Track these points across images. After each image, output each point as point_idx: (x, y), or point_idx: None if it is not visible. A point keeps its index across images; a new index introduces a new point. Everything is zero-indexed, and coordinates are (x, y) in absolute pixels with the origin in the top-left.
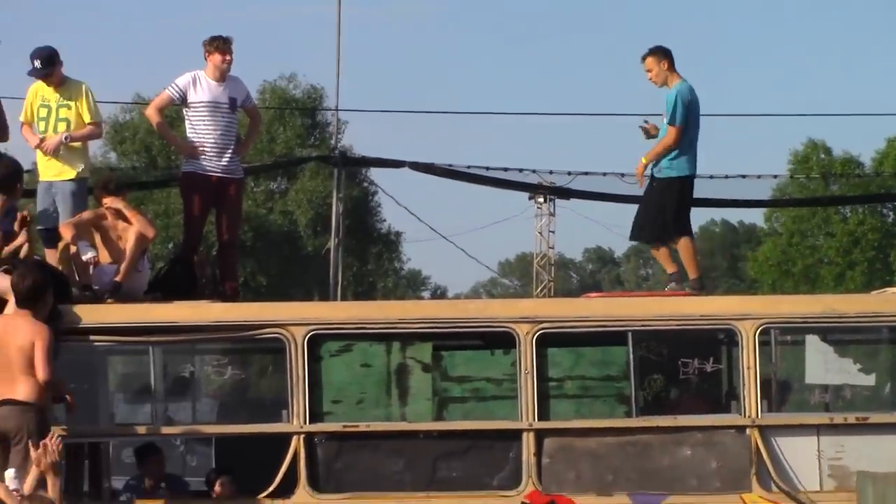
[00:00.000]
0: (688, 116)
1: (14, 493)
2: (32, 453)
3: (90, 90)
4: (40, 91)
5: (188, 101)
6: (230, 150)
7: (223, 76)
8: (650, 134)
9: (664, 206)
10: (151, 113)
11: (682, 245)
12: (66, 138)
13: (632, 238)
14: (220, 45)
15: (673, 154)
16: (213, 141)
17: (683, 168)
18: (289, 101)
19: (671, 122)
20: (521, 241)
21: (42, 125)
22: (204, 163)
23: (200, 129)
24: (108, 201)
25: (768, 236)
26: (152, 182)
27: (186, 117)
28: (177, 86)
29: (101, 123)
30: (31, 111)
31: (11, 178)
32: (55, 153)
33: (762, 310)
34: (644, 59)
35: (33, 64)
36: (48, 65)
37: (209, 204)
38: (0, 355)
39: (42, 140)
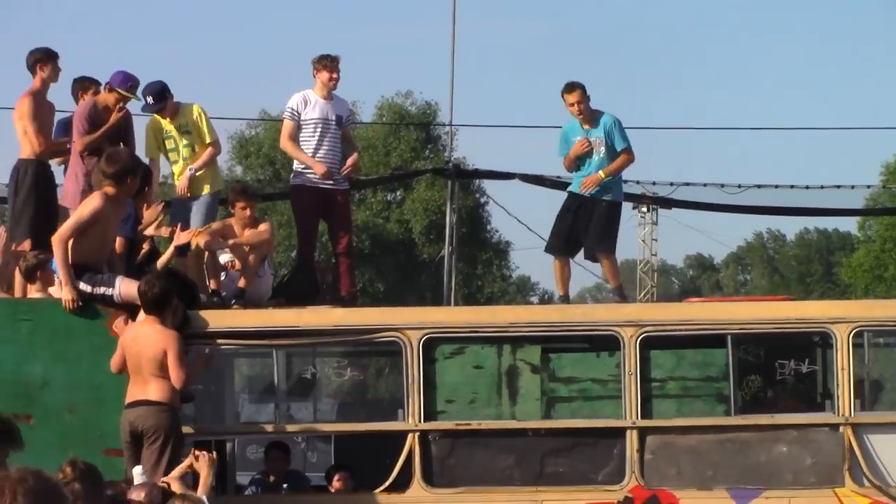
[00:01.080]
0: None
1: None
2: (192, 458)
3: (202, 110)
4: (158, 126)
5: (301, 118)
6: (336, 164)
7: (330, 94)
8: (583, 151)
9: (613, 226)
10: (286, 145)
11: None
12: (191, 171)
13: (560, 252)
14: (327, 63)
15: (618, 179)
16: (321, 155)
17: (621, 194)
18: (404, 117)
19: (627, 149)
20: (624, 249)
21: (173, 155)
22: (313, 176)
23: (311, 144)
24: (241, 205)
25: (862, 243)
26: (277, 194)
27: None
28: (291, 109)
29: (218, 140)
30: (156, 147)
31: (125, 173)
32: (190, 188)
33: (856, 313)
34: (571, 91)
35: (146, 100)
36: (160, 99)
37: (318, 214)
38: (132, 360)
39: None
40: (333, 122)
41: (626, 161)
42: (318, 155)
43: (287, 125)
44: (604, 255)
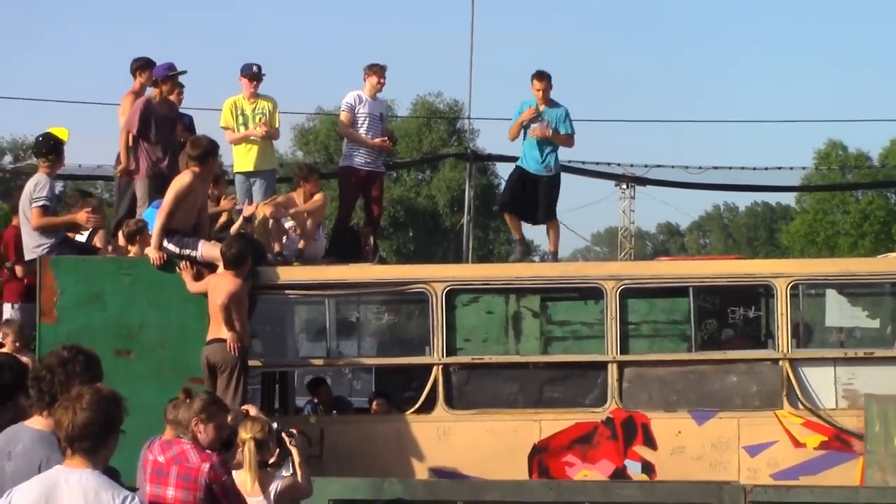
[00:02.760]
0: None
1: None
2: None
3: (275, 104)
4: (239, 103)
5: (356, 112)
6: (377, 151)
7: (376, 95)
8: (531, 117)
9: (553, 200)
10: (345, 130)
11: (556, 228)
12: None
13: (508, 209)
14: (377, 70)
15: (557, 160)
16: (364, 146)
17: (559, 173)
18: (435, 112)
19: (569, 135)
20: (608, 218)
21: (242, 129)
22: (358, 160)
23: (362, 132)
24: (309, 185)
25: (798, 214)
26: (330, 173)
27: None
28: (348, 103)
29: (279, 129)
30: (231, 119)
31: (206, 155)
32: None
33: (792, 270)
34: (541, 78)
35: (253, 70)
36: (261, 74)
37: (360, 190)
38: (212, 305)
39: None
40: (378, 118)
41: (565, 141)
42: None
43: (345, 115)
44: (549, 224)
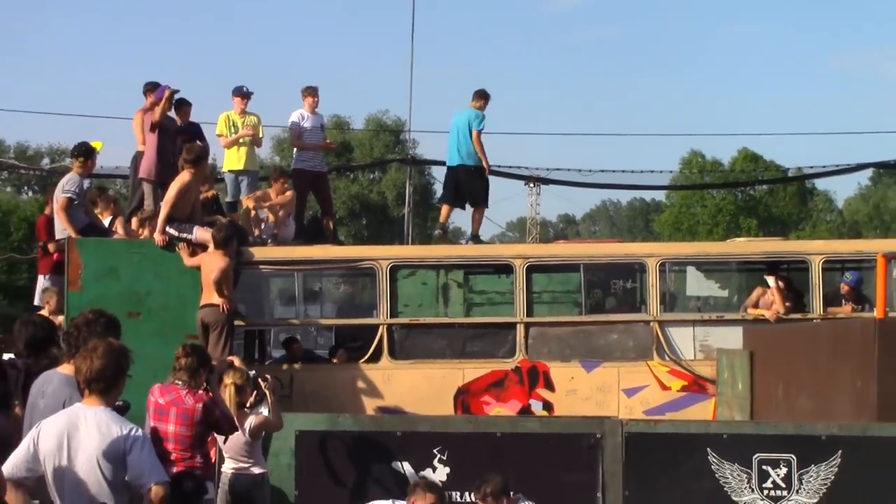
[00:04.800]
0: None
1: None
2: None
3: (259, 119)
4: (232, 116)
5: (301, 126)
6: (321, 157)
7: (314, 111)
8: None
9: (478, 185)
10: (296, 143)
11: (481, 212)
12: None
13: (451, 203)
14: (311, 91)
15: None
16: (313, 151)
17: (481, 164)
18: (382, 126)
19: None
20: (519, 210)
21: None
22: (305, 164)
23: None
24: (279, 184)
25: (667, 207)
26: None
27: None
28: (293, 121)
29: (262, 139)
30: (225, 128)
31: (199, 159)
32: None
33: (661, 251)
34: (476, 100)
35: (243, 90)
36: (250, 95)
37: (309, 187)
38: (204, 276)
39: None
40: (319, 128)
41: (476, 136)
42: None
43: (293, 131)
44: (476, 209)
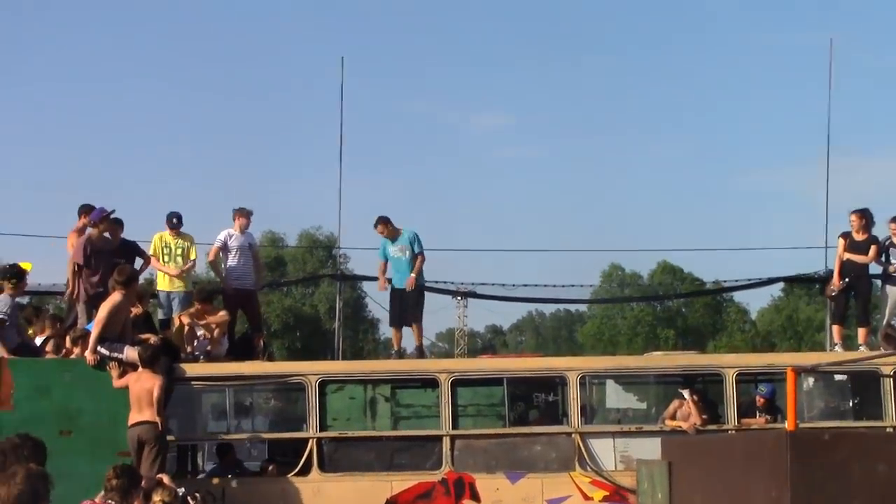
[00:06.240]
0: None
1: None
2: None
3: (193, 240)
4: (164, 238)
5: (228, 246)
6: (250, 274)
7: (244, 231)
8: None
9: (419, 305)
10: (212, 259)
11: (420, 326)
12: (189, 264)
13: (395, 323)
14: (244, 213)
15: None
16: (241, 266)
17: (423, 283)
18: (315, 242)
19: (420, 253)
20: (448, 321)
21: (166, 257)
22: (236, 281)
23: (236, 260)
24: (201, 306)
25: (589, 318)
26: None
27: (226, 257)
28: (220, 239)
29: (195, 260)
30: (158, 249)
31: (129, 280)
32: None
33: (580, 365)
34: (377, 225)
35: (172, 221)
36: (180, 223)
37: (237, 305)
38: (134, 395)
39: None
40: (247, 247)
41: (421, 261)
42: (238, 267)
43: (213, 249)
44: (415, 325)
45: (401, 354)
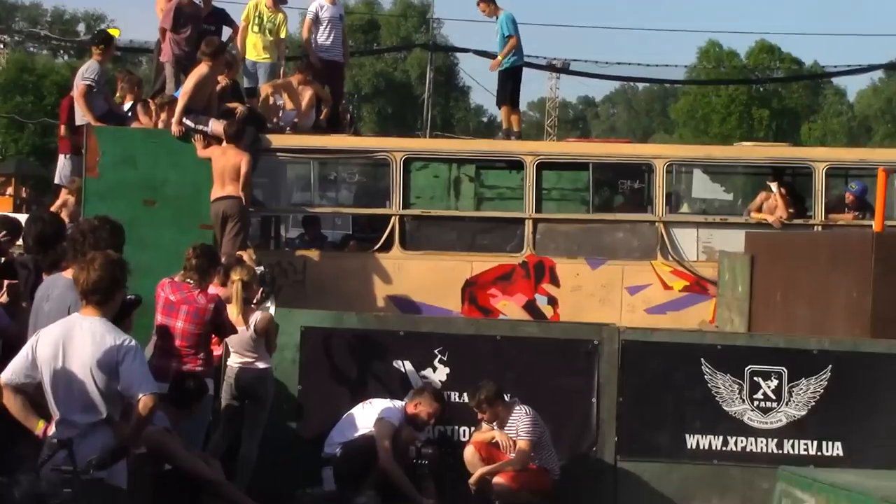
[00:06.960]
0: (516, 30)
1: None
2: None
3: (286, 17)
4: (259, 6)
5: (319, 18)
6: (340, 46)
7: (334, 2)
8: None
9: (516, 86)
10: (307, 37)
11: (517, 111)
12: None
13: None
14: None
15: (512, 53)
16: (333, 39)
17: (521, 61)
18: (410, 7)
19: (510, 35)
20: (540, 91)
21: (256, 27)
22: (324, 53)
23: (326, 32)
24: (303, 75)
25: (683, 94)
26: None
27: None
28: (312, 11)
29: (286, 37)
30: (250, 17)
31: (216, 52)
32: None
33: (668, 153)
34: (478, 4)
35: None
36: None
37: (327, 78)
38: (217, 169)
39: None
40: (338, 18)
41: (512, 44)
42: (329, 39)
43: (307, 22)
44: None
45: (508, 134)
